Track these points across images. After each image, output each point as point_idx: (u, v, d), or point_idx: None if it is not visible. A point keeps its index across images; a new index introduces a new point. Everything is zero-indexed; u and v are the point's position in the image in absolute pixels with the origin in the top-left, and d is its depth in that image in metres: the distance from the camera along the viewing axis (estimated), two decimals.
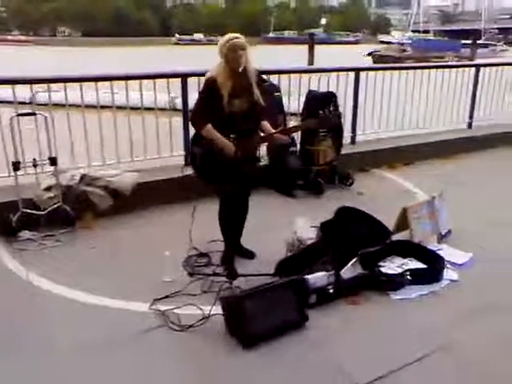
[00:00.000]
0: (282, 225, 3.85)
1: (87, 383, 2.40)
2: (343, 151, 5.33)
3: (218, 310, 2.79)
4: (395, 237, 3.68)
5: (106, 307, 2.97)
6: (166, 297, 3.03)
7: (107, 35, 71.97)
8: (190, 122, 3.28)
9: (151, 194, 4.41)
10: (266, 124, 3.28)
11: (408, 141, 6.24)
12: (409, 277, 3.17)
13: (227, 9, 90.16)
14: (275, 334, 2.66)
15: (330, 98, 4.90)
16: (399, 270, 3.29)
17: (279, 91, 4.99)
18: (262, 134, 3.27)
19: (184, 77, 4.61)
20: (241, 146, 3.13)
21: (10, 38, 71.20)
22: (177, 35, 72.42)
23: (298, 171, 4.94)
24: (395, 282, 3.14)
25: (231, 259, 3.39)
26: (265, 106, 3.23)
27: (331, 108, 3.20)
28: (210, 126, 3.14)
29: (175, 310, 2.89)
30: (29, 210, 3.82)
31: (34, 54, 38.11)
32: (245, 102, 3.16)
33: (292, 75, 5.33)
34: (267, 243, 3.64)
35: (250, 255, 3.57)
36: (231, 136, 3.10)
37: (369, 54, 36.68)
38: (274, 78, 5.11)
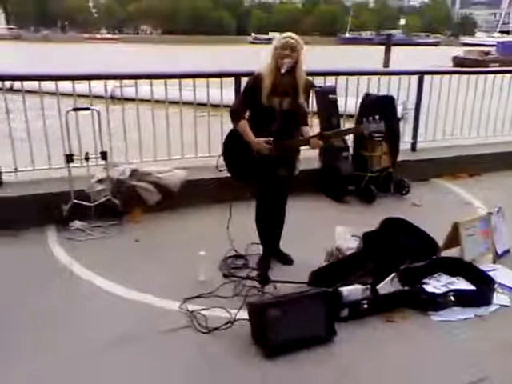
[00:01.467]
0: (325, 231, 3.72)
1: (105, 378, 2.44)
2: (402, 158, 5.09)
3: (245, 314, 2.74)
4: (445, 253, 3.45)
5: (139, 302, 3.01)
6: (197, 297, 3.02)
7: (186, 33, 74.33)
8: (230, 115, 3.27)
9: (198, 192, 4.44)
10: (306, 129, 3.19)
11: (476, 150, 5.84)
12: (452, 298, 2.94)
13: (304, 8, 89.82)
14: (299, 346, 2.56)
15: (387, 102, 4.69)
16: (443, 289, 3.06)
17: (334, 93, 4.84)
18: (300, 138, 3.18)
19: (237, 76, 4.60)
20: (278, 146, 3.05)
21: (98, 36, 75.69)
22: (252, 34, 73.27)
23: (350, 177, 4.78)
24: (437, 302, 2.93)
25: (266, 263, 3.33)
26: (306, 111, 3.15)
27: (377, 116, 3.01)
28: (244, 121, 3.13)
29: (204, 312, 2.88)
30: (80, 201, 3.97)
31: (125, 51, 40.05)
32: (287, 102, 3.09)
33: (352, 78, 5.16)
34: (308, 249, 3.54)
35: (287, 261, 3.49)
36: (269, 137, 3.04)
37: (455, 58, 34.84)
38: (330, 81, 4.98)
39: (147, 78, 4.57)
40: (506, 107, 6.01)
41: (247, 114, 3.22)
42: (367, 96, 4.84)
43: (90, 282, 3.25)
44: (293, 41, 3.03)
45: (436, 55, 35.20)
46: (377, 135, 4.68)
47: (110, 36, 77.65)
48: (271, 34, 73.36)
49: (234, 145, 3.26)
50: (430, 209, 4.59)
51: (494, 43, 43.29)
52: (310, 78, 4.67)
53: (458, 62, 33.50)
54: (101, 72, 4.54)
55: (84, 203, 3.99)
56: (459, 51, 37.81)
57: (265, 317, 2.50)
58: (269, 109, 3.05)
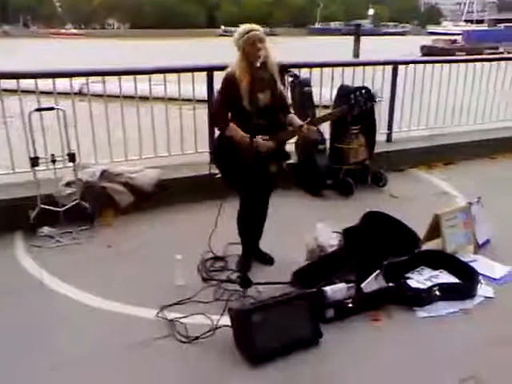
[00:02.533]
0: (305, 228, 3.63)
1: None
2: (377, 149, 5.03)
3: (227, 320, 2.62)
4: (426, 246, 3.40)
5: (114, 312, 2.86)
6: (176, 304, 2.89)
7: (153, 27, 73.17)
8: (211, 122, 3.11)
9: (173, 192, 4.29)
10: (293, 117, 3.07)
11: (449, 139, 5.84)
12: (437, 292, 2.89)
13: (273, 1, 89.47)
14: (285, 351, 2.46)
15: None
16: (428, 284, 3.01)
17: (309, 85, 4.74)
18: (291, 128, 3.05)
19: (210, 70, 4.45)
20: (274, 140, 2.93)
21: (63, 31, 73.82)
22: (222, 27, 72.61)
23: (327, 170, 4.69)
24: (422, 298, 2.87)
25: (247, 265, 3.22)
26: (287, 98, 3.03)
27: (363, 91, 2.93)
28: (232, 125, 2.96)
29: (183, 319, 2.75)
30: (47, 206, 3.78)
31: (86, 46, 39.13)
32: (268, 95, 2.96)
33: (326, 69, 5.07)
34: (288, 247, 3.45)
35: (268, 260, 3.38)
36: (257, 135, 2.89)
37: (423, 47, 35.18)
38: (305, 73, 4.88)
39: (116, 74, 4.36)
40: (474, 96, 6.02)
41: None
42: (342, 87, 4.75)
43: (61, 292, 3.07)
44: (257, 32, 2.88)
45: (405, 44, 35.52)
46: (353, 127, 4.63)
47: (75, 31, 75.77)
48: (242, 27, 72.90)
49: (227, 150, 3.05)
50: (408, 200, 4.55)
51: (460, 32, 44.01)
52: None
53: (427, 50, 33.95)
54: (67, 69, 4.31)
55: (52, 208, 3.79)
56: (427, 40, 38.30)
57: (248, 323, 2.39)
58: (252, 108, 2.89)
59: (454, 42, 37.04)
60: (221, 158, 3.15)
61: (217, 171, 3.26)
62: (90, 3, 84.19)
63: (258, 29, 2.90)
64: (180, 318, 2.76)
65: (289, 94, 4.41)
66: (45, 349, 2.58)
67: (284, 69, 3.12)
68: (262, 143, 2.91)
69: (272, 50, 2.99)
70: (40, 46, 37.88)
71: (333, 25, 78.48)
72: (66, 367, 2.43)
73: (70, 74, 4.19)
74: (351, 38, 32.51)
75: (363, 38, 31.96)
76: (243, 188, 3.05)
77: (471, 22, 68.45)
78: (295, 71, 4.82)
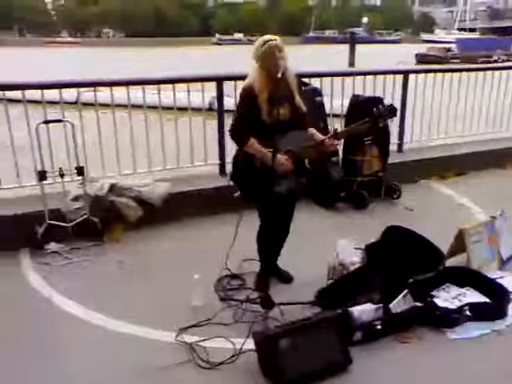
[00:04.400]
0: (321, 242, 3.53)
1: None
2: (389, 160, 4.93)
3: (250, 343, 2.49)
4: (450, 262, 3.29)
5: (129, 335, 2.72)
6: (194, 326, 2.75)
7: (149, 36, 73.30)
8: (230, 137, 2.98)
9: (184, 206, 4.16)
10: (313, 131, 2.95)
11: (461, 149, 5.75)
12: (468, 312, 2.77)
13: (267, 8, 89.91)
14: (314, 378, 2.33)
15: (375, 102, 4.50)
16: (456, 303, 2.89)
17: (321, 95, 4.64)
18: (312, 143, 2.92)
19: (219, 80, 4.34)
20: (296, 158, 2.81)
21: (58, 39, 73.75)
22: (217, 35, 72.78)
23: (340, 182, 4.58)
24: (452, 319, 2.75)
25: (266, 284, 3.07)
26: (305, 110, 2.92)
27: (385, 103, 2.83)
28: (253, 140, 2.82)
29: (203, 343, 2.61)
30: (55, 222, 3.64)
31: (80, 55, 39.00)
32: (286, 108, 2.85)
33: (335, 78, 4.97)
34: (306, 264, 3.33)
35: (287, 279, 3.26)
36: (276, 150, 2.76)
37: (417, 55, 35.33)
38: (314, 82, 4.78)
39: (124, 84, 4.24)
40: (487, 105, 5.96)
41: None
42: (355, 97, 4.65)
43: (70, 312, 2.93)
44: (275, 42, 2.77)
45: (399, 52, 35.64)
46: (366, 138, 4.53)
47: (71, 39, 75.71)
48: (236, 35, 73.23)
49: (245, 167, 2.91)
50: (423, 212, 4.44)
51: (453, 40, 44.30)
52: None
53: (421, 58, 34.10)
54: (73, 80, 4.19)
55: (60, 224, 3.65)
56: (420, 48, 38.49)
57: (275, 349, 2.26)
58: (273, 123, 2.77)
59: (449, 50, 37.23)
60: (239, 175, 3.01)
61: (224, 183, 3.14)
62: (85, 12, 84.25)
63: (273, 37, 2.79)
64: (200, 341, 2.62)
65: None
66: (53, 373, 2.45)
67: (302, 82, 3.01)
68: (281, 164, 2.77)
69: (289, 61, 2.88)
70: (33, 54, 37.71)
71: (327, 33, 78.94)
72: None
73: (76, 85, 4.07)
74: (346, 46, 32.63)
75: (358, 46, 32.06)
76: (264, 206, 2.93)
77: (464, 30, 68.97)
78: (305, 81, 4.72)
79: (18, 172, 3.89)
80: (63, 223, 3.67)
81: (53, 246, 3.66)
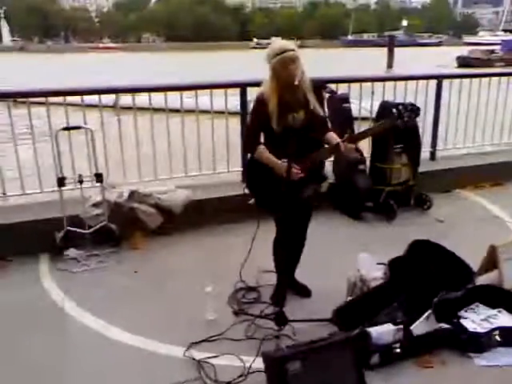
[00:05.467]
0: (343, 254, 3.37)
1: None
2: (421, 168, 4.70)
3: (260, 362, 2.37)
4: (481, 279, 3.07)
5: (137, 348, 2.65)
6: (204, 341, 2.66)
7: (188, 40, 74.47)
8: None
9: (204, 213, 4.08)
10: (331, 135, 2.80)
11: (497, 158, 5.45)
12: (498, 337, 2.56)
13: (305, 12, 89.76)
14: None
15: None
16: (486, 325, 2.68)
17: (348, 102, 4.48)
18: (327, 146, 2.79)
19: (243, 86, 4.26)
20: (305, 165, 2.69)
21: (100, 45, 76.17)
22: (255, 39, 73.12)
23: (368, 192, 4.40)
24: (480, 343, 2.55)
25: (283, 298, 2.95)
26: (324, 115, 2.79)
27: (408, 106, 2.66)
28: (262, 147, 2.76)
29: (212, 359, 2.51)
30: (74, 228, 3.63)
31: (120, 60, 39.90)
32: (302, 114, 2.72)
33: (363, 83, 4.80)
34: (326, 277, 3.19)
35: (304, 293, 3.12)
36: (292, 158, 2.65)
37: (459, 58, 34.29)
38: (343, 88, 4.63)
39: (147, 91, 4.22)
40: None
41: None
42: (384, 104, 4.45)
43: (81, 321, 2.89)
44: (290, 53, 2.63)
45: (440, 55, 34.76)
46: (396, 146, 4.33)
47: (112, 45, 77.94)
48: (273, 39, 73.21)
49: (257, 175, 2.85)
50: (455, 224, 4.21)
51: (498, 42, 42.77)
52: None
53: (462, 61, 33.08)
54: (95, 87, 4.18)
55: (78, 230, 3.63)
56: (462, 51, 37.35)
57: (284, 372, 2.13)
58: (284, 130, 2.67)
59: (492, 52, 35.93)
60: (252, 183, 2.93)
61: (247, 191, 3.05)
62: (127, 18, 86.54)
63: (292, 48, 2.65)
64: (209, 357, 2.53)
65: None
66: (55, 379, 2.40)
67: (320, 86, 2.87)
68: (293, 173, 2.66)
69: (304, 67, 2.76)
70: (86, 60, 38.83)
71: (366, 36, 78.01)
72: None
73: (98, 91, 4.06)
74: (385, 50, 32.06)
75: (397, 50, 31.45)
76: (277, 214, 2.82)
77: (510, 31, 66.53)
78: (332, 87, 4.57)
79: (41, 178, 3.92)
80: (82, 229, 3.66)
81: (72, 252, 3.65)
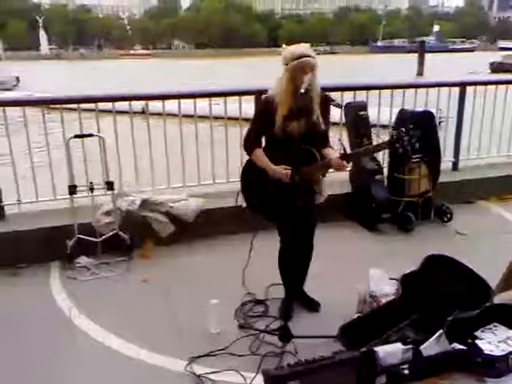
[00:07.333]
0: (357, 267, 3.25)
1: None
2: (442, 179, 4.55)
3: (261, 379, 2.29)
4: (499, 298, 2.91)
5: (139, 361, 2.61)
6: (206, 355, 2.60)
7: (218, 47, 75.23)
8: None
9: (216, 223, 4.03)
10: (329, 150, 2.73)
11: None
12: None
13: (335, 19, 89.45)
14: None
15: (425, 118, 4.19)
16: (503, 347, 2.53)
17: (365, 109, 4.37)
18: (320, 162, 2.71)
19: (258, 94, 4.20)
20: (298, 173, 2.61)
21: (131, 52, 77.78)
22: (284, 46, 73.32)
23: (385, 202, 4.27)
24: (496, 368, 2.41)
25: (289, 312, 2.87)
26: (325, 129, 2.72)
27: (410, 127, 2.55)
28: (259, 150, 2.77)
29: (213, 375, 2.45)
30: (85, 236, 3.63)
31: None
32: (304, 123, 2.66)
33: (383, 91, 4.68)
34: (337, 291, 3.09)
35: (313, 307, 3.03)
36: (289, 165, 2.63)
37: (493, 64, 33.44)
38: (361, 95, 4.52)
39: (160, 98, 4.21)
40: None
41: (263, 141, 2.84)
42: (402, 112, 4.32)
43: (86, 331, 2.88)
44: (310, 59, 2.58)
45: (472, 61, 33.99)
46: (414, 156, 4.19)
47: (143, 51, 79.48)
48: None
49: (251, 176, 2.86)
50: (477, 238, 4.03)
51: None
52: (339, 93, 4.31)
53: (496, 67, 32.29)
54: (109, 94, 4.20)
55: (89, 238, 3.64)
56: (497, 56, 36.42)
57: None
58: (286, 137, 2.62)
59: None
60: (245, 185, 2.94)
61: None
62: (158, 25, 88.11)
63: (310, 54, 2.60)
64: (210, 373, 2.46)
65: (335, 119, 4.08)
66: None
67: (327, 99, 2.79)
68: (281, 173, 2.67)
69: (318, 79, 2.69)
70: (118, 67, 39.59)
71: (396, 42, 77.12)
72: None
73: (112, 99, 4.06)
74: (415, 56, 31.57)
75: (428, 55, 30.95)
76: (267, 217, 2.87)
77: None
78: (350, 94, 4.48)
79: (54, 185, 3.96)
80: (93, 237, 3.66)
81: (83, 260, 3.66)
